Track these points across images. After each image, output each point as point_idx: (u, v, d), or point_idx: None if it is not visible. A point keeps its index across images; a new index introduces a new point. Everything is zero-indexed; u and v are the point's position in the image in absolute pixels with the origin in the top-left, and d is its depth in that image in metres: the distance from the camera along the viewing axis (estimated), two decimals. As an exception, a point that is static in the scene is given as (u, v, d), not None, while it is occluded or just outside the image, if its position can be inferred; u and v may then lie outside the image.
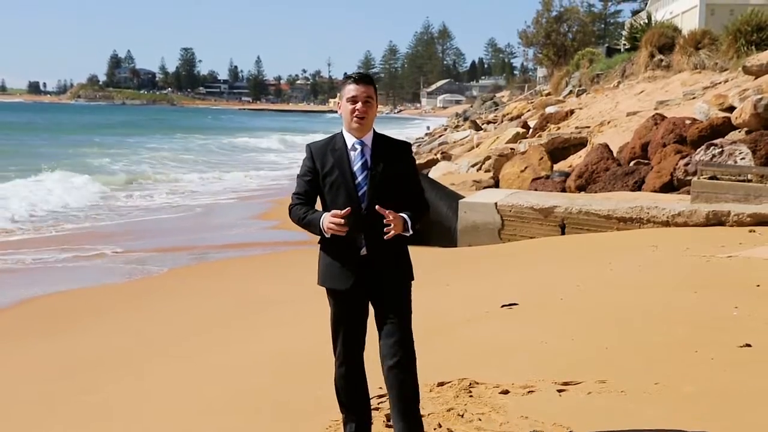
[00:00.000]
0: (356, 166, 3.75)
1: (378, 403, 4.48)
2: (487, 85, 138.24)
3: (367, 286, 3.76)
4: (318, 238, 3.80)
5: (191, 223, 16.50)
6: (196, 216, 17.72)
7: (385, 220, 3.60)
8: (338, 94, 3.91)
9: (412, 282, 3.89)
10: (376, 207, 3.61)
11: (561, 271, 8.72)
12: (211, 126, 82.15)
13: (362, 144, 3.78)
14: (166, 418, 4.86)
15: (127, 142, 49.26)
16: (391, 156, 3.80)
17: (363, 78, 3.81)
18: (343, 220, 3.58)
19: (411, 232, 3.74)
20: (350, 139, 3.79)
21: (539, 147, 18.71)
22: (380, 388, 4.34)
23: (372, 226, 3.69)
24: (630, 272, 8.07)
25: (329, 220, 3.62)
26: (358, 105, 3.74)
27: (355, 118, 3.74)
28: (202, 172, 29.98)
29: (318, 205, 3.86)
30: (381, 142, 3.83)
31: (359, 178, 3.74)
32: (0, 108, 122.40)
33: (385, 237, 3.62)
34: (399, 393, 3.70)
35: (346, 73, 4.03)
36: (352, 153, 3.78)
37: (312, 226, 3.72)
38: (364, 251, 3.73)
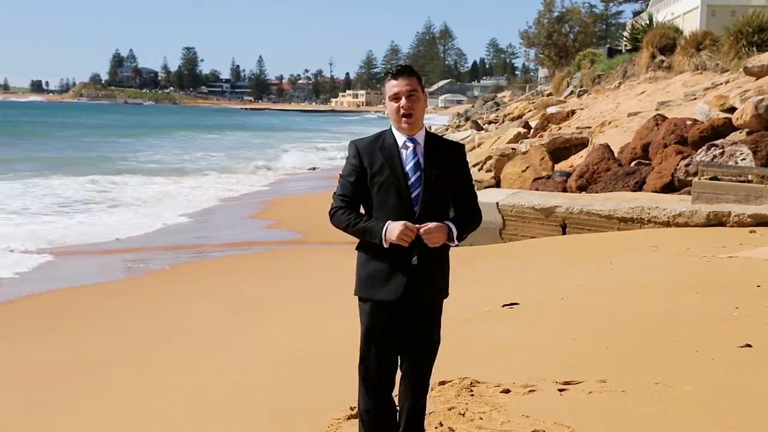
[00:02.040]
0: (408, 166, 3.42)
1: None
2: (488, 86, 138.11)
3: (414, 297, 3.44)
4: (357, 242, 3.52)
5: (189, 224, 16.50)
6: (194, 216, 17.73)
7: (423, 230, 3.32)
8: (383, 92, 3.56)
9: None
10: (421, 230, 3.32)
11: (562, 270, 8.74)
12: (263, 125, 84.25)
13: (414, 142, 3.45)
14: (168, 418, 4.87)
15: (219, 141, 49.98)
16: (446, 157, 3.48)
17: (402, 71, 3.46)
18: (414, 235, 3.31)
19: (456, 242, 3.43)
20: (401, 137, 3.47)
21: (540, 147, 18.71)
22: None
23: None
24: (631, 272, 8.08)
25: (401, 233, 3.29)
26: (403, 101, 3.41)
27: (402, 117, 3.42)
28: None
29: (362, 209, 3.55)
30: (434, 141, 3.52)
31: (412, 179, 3.41)
32: (28, 107, 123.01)
33: (429, 244, 3.34)
34: (408, 418, 3.59)
35: (385, 71, 3.55)
36: (403, 151, 3.44)
37: (369, 234, 3.38)
38: (415, 260, 3.40)
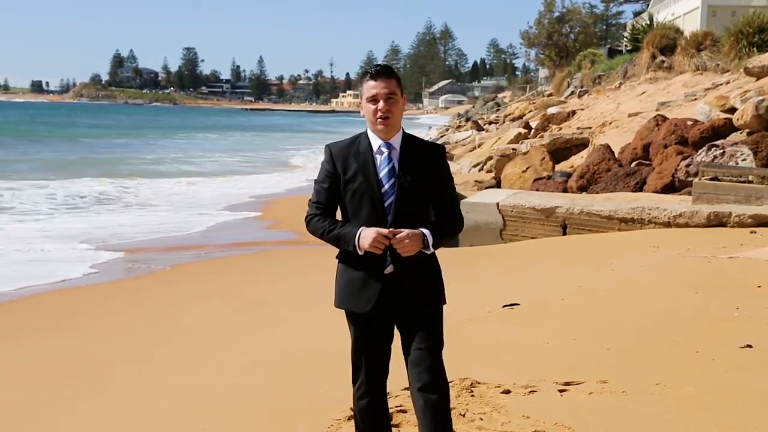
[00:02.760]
0: (383, 173, 3.28)
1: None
2: (488, 86, 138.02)
3: (393, 307, 3.32)
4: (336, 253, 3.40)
5: (187, 223, 16.50)
6: (191, 216, 17.74)
7: (394, 240, 3.18)
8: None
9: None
10: (392, 235, 3.19)
11: (562, 271, 8.73)
12: (274, 126, 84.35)
13: (389, 147, 3.31)
14: (168, 418, 4.87)
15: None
16: (423, 161, 3.32)
17: (382, 72, 3.30)
18: (388, 242, 3.18)
19: (431, 250, 3.29)
20: (376, 141, 3.32)
21: (541, 147, 18.71)
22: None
23: None
24: (631, 273, 8.07)
25: (373, 240, 3.17)
26: (380, 104, 3.26)
27: (378, 120, 3.27)
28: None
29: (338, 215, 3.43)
30: (411, 144, 3.35)
31: (386, 186, 3.27)
32: (27, 108, 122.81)
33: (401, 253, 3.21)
34: (430, 423, 3.27)
35: (363, 70, 3.29)
36: (378, 157, 3.31)
37: (342, 241, 3.27)
38: (389, 269, 3.28)
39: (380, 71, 3.31)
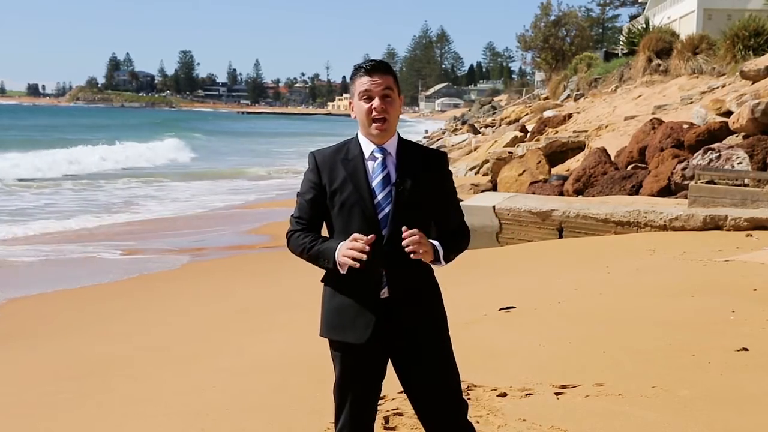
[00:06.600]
0: (376, 181, 2.90)
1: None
2: (485, 89, 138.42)
3: (390, 336, 2.93)
4: (322, 274, 3.03)
5: (186, 224, 16.48)
6: (190, 218, 17.71)
7: (404, 239, 2.78)
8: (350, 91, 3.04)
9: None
10: (403, 229, 2.79)
11: (559, 274, 8.74)
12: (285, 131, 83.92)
13: (384, 152, 2.93)
14: (164, 421, 4.85)
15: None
16: (424, 169, 2.94)
17: (377, 67, 2.92)
18: (366, 248, 2.77)
19: (444, 263, 2.92)
20: (368, 147, 2.94)
21: (537, 151, 18.73)
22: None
23: (395, 258, 2.86)
24: (627, 276, 8.08)
25: (346, 250, 2.79)
26: (375, 102, 2.88)
27: (373, 121, 2.89)
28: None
29: (324, 231, 3.04)
30: (409, 150, 2.97)
31: (379, 197, 2.88)
32: (15, 112, 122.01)
33: (411, 256, 2.79)
34: None
35: (356, 65, 2.91)
36: (370, 164, 2.92)
37: (322, 258, 2.89)
38: (385, 292, 2.90)
39: (376, 66, 2.93)
